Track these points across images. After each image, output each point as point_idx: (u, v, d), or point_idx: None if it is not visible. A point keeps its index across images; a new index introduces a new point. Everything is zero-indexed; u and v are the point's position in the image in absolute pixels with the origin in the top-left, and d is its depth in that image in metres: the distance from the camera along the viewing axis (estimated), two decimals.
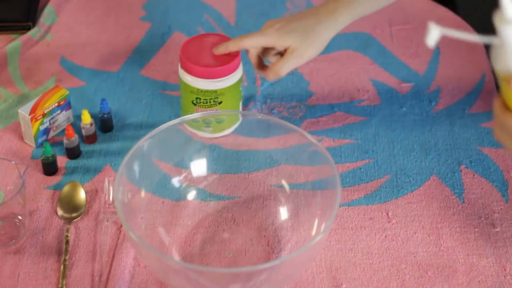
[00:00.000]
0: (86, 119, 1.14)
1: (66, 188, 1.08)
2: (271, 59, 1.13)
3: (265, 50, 1.13)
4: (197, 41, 1.14)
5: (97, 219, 1.05)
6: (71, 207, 1.06)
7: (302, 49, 1.08)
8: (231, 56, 1.11)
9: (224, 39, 1.14)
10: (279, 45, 1.09)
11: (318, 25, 1.09)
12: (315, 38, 1.09)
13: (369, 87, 1.27)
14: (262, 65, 1.15)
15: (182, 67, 1.12)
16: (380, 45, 1.34)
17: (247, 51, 1.14)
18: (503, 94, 0.80)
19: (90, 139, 1.16)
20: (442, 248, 1.02)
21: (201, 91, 1.12)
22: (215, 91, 1.12)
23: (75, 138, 1.13)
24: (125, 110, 1.22)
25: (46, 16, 1.39)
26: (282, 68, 1.09)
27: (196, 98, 1.13)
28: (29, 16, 1.37)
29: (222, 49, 1.11)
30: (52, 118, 1.15)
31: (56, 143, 1.16)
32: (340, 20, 1.10)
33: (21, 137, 1.17)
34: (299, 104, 1.23)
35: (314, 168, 1.02)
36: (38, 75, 1.28)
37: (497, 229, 1.05)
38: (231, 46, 1.11)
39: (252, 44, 1.10)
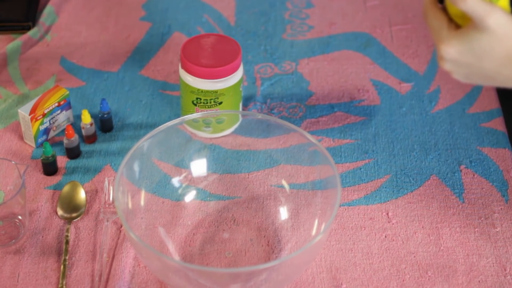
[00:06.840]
0: (86, 119, 1.14)
1: (66, 188, 1.08)
2: None
3: None
4: (197, 41, 1.14)
5: (97, 219, 1.05)
6: (71, 207, 1.06)
7: None
8: (232, 57, 1.11)
9: (224, 39, 1.14)
10: None
11: None
12: None
13: (369, 87, 1.26)
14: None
15: (183, 67, 1.12)
16: (380, 45, 1.34)
17: None
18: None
19: (90, 139, 1.16)
20: (442, 248, 1.02)
21: (202, 91, 1.12)
22: (216, 92, 1.12)
23: (75, 138, 1.13)
24: (125, 110, 1.22)
25: (46, 16, 1.39)
26: None
27: (197, 98, 1.13)
28: (29, 16, 1.37)
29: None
30: (52, 118, 1.15)
31: (56, 143, 1.16)
32: None
33: (21, 137, 1.17)
34: (299, 104, 1.23)
35: (314, 168, 1.02)
36: (38, 75, 1.28)
37: (497, 229, 1.05)
38: None
39: None
